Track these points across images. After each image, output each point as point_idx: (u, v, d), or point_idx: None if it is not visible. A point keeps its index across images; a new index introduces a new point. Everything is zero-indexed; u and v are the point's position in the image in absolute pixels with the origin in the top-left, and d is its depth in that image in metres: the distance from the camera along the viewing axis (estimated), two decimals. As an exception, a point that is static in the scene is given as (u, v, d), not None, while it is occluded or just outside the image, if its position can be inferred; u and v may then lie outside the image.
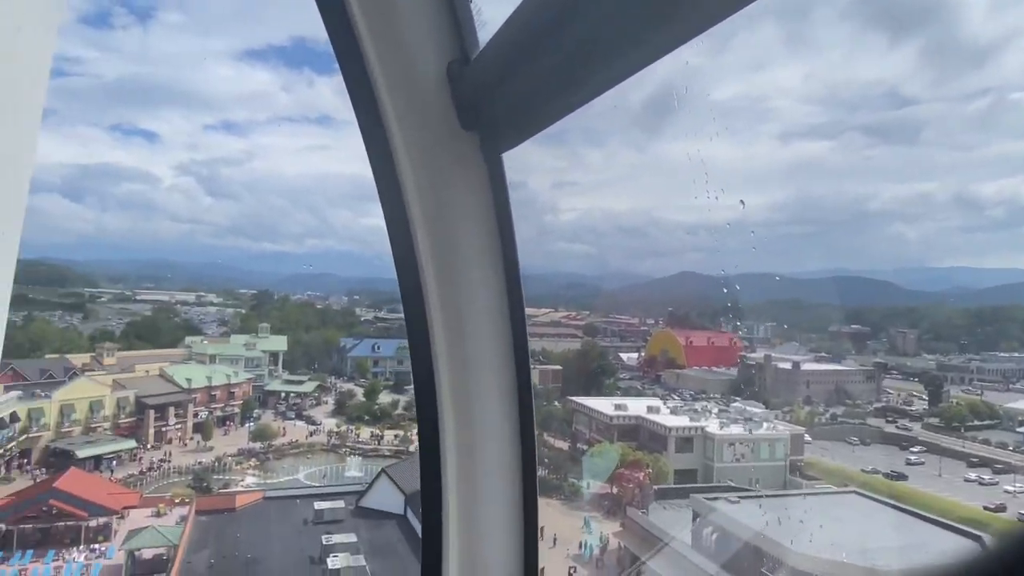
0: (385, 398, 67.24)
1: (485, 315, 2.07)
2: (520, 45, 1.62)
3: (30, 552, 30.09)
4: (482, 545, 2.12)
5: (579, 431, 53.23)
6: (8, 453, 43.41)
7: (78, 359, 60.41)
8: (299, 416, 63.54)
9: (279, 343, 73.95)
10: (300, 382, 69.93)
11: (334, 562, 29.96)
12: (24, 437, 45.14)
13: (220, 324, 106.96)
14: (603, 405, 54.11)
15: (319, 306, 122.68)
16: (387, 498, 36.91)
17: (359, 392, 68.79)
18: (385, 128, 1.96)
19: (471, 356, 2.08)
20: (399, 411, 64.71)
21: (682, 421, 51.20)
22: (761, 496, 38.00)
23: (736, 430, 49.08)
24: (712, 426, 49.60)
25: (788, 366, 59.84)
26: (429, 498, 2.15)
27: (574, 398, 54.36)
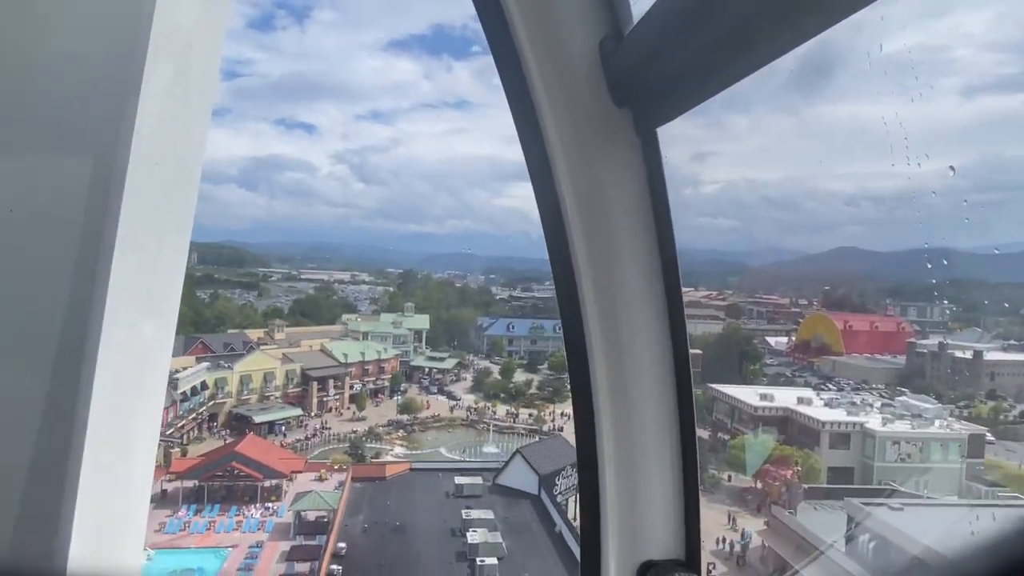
0: (520, 377, 68.86)
1: (639, 296, 2.06)
2: (677, 18, 1.57)
3: (217, 506, 34.93)
4: (642, 524, 2.13)
5: (719, 420, 50.84)
6: (199, 416, 50.41)
7: (254, 334, 68.38)
8: (441, 391, 67.10)
9: (422, 321, 78.34)
10: (441, 359, 73.68)
11: (473, 537, 31.38)
12: (212, 403, 52.12)
13: (371, 302, 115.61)
14: (747, 394, 51.19)
15: (458, 284, 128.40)
16: (522, 477, 37.91)
17: (495, 370, 71.10)
18: (536, 107, 1.98)
19: (626, 338, 2.08)
20: (533, 390, 66.00)
21: (838, 414, 47.15)
22: (931, 504, 34.12)
23: (902, 427, 44.39)
24: (873, 421, 45.24)
25: (968, 355, 52.92)
26: (586, 477, 2.18)
27: (714, 385, 51.81)
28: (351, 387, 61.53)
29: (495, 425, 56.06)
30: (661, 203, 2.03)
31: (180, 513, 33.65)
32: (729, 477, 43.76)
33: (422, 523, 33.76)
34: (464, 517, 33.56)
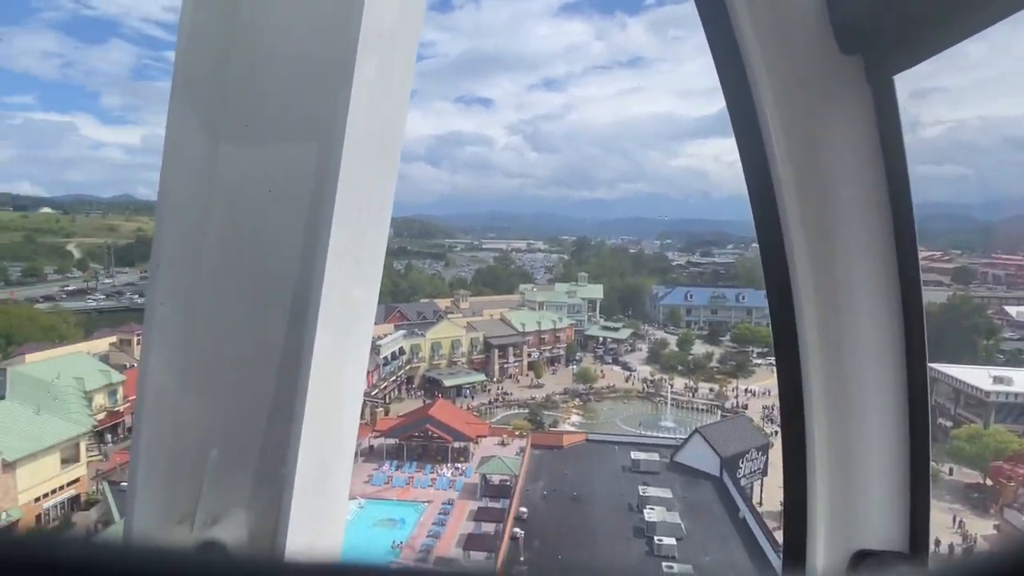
0: (699, 349, 66.21)
1: (862, 259, 1.89)
2: None
3: (414, 463, 38.79)
4: (858, 507, 1.97)
5: (940, 405, 44.31)
6: (399, 379, 56.07)
7: (442, 303, 74.02)
8: (615, 361, 67.04)
9: (596, 291, 78.50)
10: (616, 328, 73.40)
11: (650, 515, 31.20)
12: (408, 367, 57.60)
13: (546, 270, 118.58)
14: (975, 375, 44.01)
15: (632, 251, 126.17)
16: (702, 457, 36.70)
17: (672, 341, 69.11)
18: (746, 57, 1.86)
19: (844, 303, 1.91)
20: (713, 364, 63.00)
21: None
22: None
23: None
24: None
25: None
26: (792, 449, 2.05)
27: (935, 364, 45.04)
28: (529, 355, 64.07)
29: (672, 399, 54.61)
30: (896, 158, 1.85)
31: (384, 468, 37.90)
32: (950, 471, 38.26)
33: (599, 495, 34.32)
34: (641, 493, 33.47)
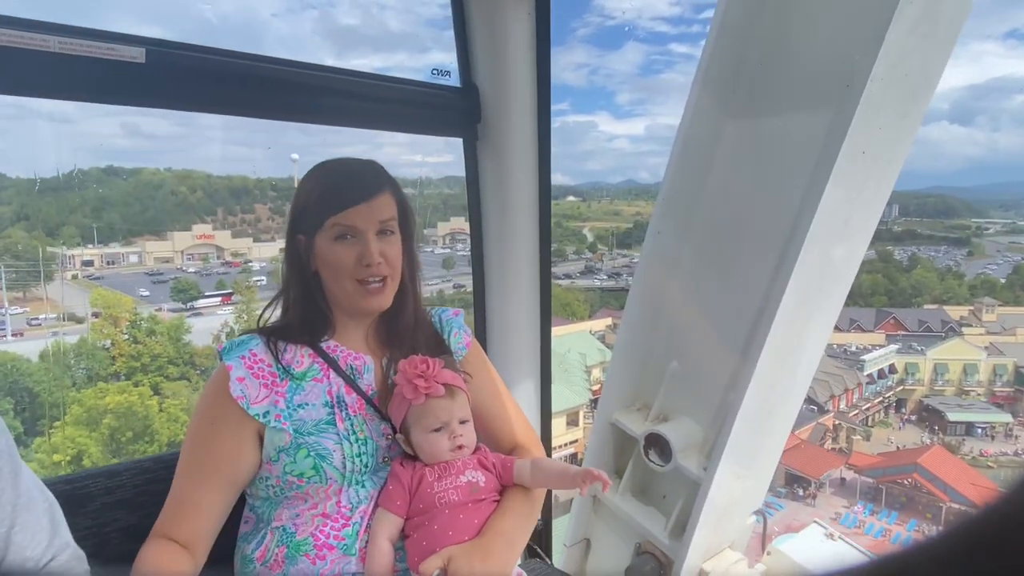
0: None
1: None
2: None
3: (895, 514, 33.25)
4: None
5: None
6: (885, 400, 48.72)
7: (955, 311, 59.88)
8: None
9: None
10: None
11: None
12: (900, 388, 49.33)
13: None
14: None
15: None
16: None
17: None
18: None
19: None
20: None
21: None
22: None
23: None
24: None
25: None
26: None
27: None
28: (1096, 400, 46.40)
29: None
30: None
31: (856, 509, 34.01)
32: None
33: None
34: None
